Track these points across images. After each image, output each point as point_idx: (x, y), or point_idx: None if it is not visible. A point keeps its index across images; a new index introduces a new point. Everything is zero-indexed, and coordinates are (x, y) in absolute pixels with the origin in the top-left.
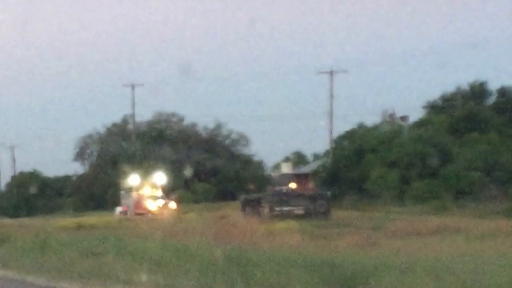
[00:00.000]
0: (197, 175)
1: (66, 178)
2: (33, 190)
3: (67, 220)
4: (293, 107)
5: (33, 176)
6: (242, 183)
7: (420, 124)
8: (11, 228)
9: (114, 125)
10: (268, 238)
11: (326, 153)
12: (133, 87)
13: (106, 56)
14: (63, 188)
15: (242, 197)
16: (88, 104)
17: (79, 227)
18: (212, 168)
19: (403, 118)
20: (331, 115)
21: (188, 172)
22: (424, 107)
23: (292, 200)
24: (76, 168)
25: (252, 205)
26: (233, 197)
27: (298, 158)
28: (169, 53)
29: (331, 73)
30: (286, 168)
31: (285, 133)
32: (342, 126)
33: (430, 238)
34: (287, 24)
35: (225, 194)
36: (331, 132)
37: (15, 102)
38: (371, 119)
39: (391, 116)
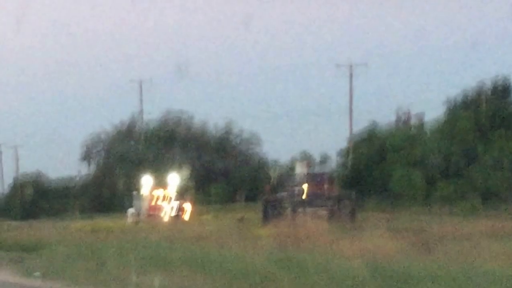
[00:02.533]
0: (208, 176)
1: (70, 180)
2: (31, 190)
3: (80, 224)
4: (297, 106)
5: (36, 178)
6: (255, 184)
7: (443, 122)
8: (29, 232)
9: (122, 124)
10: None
11: (343, 152)
12: (140, 83)
13: (111, 55)
14: (67, 190)
15: (263, 198)
16: (92, 104)
17: (94, 230)
18: (224, 169)
19: (418, 116)
20: (350, 112)
21: (186, 171)
22: (447, 105)
23: (315, 201)
24: (80, 170)
25: (273, 206)
26: (246, 198)
27: (306, 158)
28: (178, 51)
29: (350, 67)
30: (301, 168)
31: (290, 133)
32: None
33: (490, 243)
34: (295, 22)
35: (237, 195)
36: (351, 131)
37: (17, 102)
38: (384, 118)
39: (406, 114)
